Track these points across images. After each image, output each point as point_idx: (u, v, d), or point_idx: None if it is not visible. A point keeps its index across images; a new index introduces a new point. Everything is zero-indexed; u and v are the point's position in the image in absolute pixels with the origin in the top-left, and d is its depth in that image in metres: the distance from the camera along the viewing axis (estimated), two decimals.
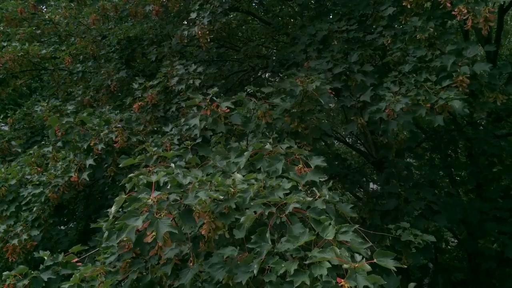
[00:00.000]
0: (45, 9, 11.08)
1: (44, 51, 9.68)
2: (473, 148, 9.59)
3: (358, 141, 12.79)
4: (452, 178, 10.04)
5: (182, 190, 3.65)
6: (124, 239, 3.66)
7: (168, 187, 3.66)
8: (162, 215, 3.33)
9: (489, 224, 8.71)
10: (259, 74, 10.98)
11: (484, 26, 5.51)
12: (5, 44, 9.47)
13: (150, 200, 3.35)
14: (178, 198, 3.52)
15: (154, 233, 3.30)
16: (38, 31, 10.50)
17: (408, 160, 9.73)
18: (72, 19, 10.65)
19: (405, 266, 3.45)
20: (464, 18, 5.58)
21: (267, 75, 11.06)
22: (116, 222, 3.41)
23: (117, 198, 3.46)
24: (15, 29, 10.20)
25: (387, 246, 5.93)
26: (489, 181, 9.25)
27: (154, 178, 3.58)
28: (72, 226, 9.99)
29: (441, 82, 5.67)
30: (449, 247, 12.59)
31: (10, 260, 6.49)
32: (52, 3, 11.28)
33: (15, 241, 6.42)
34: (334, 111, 12.97)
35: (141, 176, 3.72)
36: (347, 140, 13.18)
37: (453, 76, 5.70)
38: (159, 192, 3.47)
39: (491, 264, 9.01)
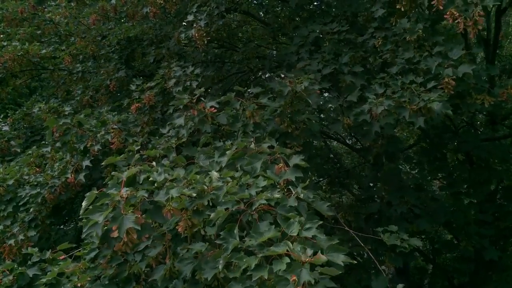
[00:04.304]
0: (45, 9, 11.13)
1: (44, 51, 9.72)
2: (461, 151, 9.61)
3: (359, 143, 12.80)
4: (447, 181, 10.04)
5: (154, 186, 3.71)
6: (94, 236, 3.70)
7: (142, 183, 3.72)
8: (129, 211, 3.39)
9: (470, 227, 8.76)
10: (258, 75, 11.00)
11: (473, 29, 5.53)
12: (5, 43, 9.54)
13: (117, 196, 3.40)
14: (146, 196, 3.56)
15: None
16: (39, 31, 10.57)
17: (400, 163, 9.74)
18: (72, 19, 10.73)
19: (355, 262, 3.47)
20: (456, 21, 5.61)
21: (265, 76, 11.07)
22: (80, 217, 3.48)
23: (87, 194, 3.52)
24: (16, 29, 10.30)
25: (370, 249, 5.97)
26: (476, 184, 9.28)
27: (124, 175, 3.64)
28: (72, 225, 10.08)
29: (426, 84, 5.70)
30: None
31: (6, 260, 6.53)
32: (53, 3, 11.37)
33: (12, 242, 6.44)
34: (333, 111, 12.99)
35: (113, 173, 3.78)
36: (348, 141, 13.21)
37: (439, 78, 5.72)
38: (128, 189, 3.53)
39: (470, 266, 9.12)
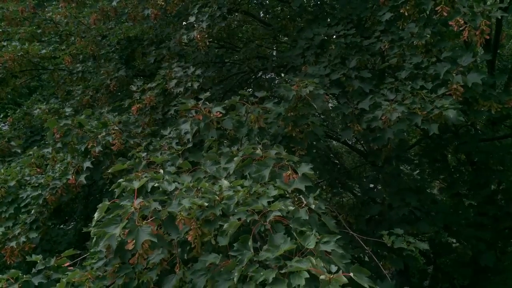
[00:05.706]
0: (46, 9, 11.08)
1: (44, 51, 9.68)
2: (460, 152, 9.60)
3: (359, 142, 12.77)
4: (447, 183, 10.03)
5: (166, 197, 3.67)
6: (104, 248, 3.67)
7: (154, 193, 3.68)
8: (143, 223, 3.35)
9: (468, 230, 8.76)
10: (259, 75, 10.96)
11: (480, 38, 5.64)
12: (5, 43, 9.48)
13: (131, 208, 3.36)
14: (160, 208, 3.52)
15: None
16: (39, 31, 10.52)
17: (401, 165, 9.72)
18: (72, 18, 10.67)
19: (377, 287, 3.41)
20: (461, 29, 5.64)
21: (267, 76, 11.04)
22: (96, 229, 3.44)
23: (100, 205, 3.48)
24: (16, 28, 10.23)
25: (371, 251, 5.95)
26: (475, 186, 9.27)
27: (136, 185, 3.59)
28: (72, 225, 10.05)
29: (436, 90, 5.68)
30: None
31: (8, 262, 6.51)
32: (53, 2, 11.30)
33: (14, 243, 6.43)
34: (334, 112, 12.95)
35: (123, 183, 3.73)
36: (348, 141, 13.17)
37: (448, 84, 5.71)
38: (141, 200, 3.49)
39: (467, 270, 9.13)
